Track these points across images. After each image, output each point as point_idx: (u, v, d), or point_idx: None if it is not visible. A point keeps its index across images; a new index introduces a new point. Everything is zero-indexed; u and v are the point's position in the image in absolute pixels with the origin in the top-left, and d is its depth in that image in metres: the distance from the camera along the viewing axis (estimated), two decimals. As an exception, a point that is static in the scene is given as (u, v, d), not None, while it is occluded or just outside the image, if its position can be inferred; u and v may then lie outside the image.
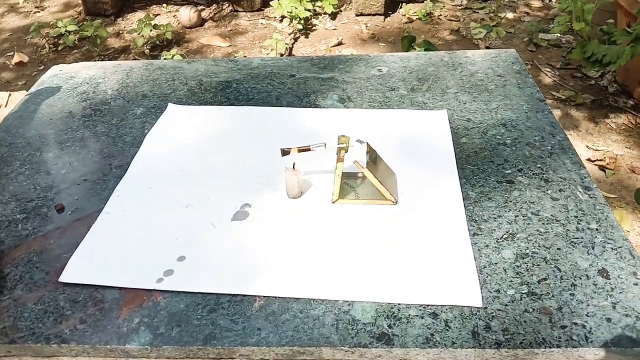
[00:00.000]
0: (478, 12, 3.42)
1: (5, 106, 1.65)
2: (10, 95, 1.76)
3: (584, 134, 2.29)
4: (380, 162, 0.84)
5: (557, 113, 2.40)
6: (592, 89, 2.58)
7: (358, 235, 0.75)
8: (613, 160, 2.13)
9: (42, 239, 0.79)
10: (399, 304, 0.66)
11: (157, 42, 3.20)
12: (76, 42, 3.28)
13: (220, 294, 0.68)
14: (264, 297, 0.67)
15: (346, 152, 0.80)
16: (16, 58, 3.20)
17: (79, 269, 0.72)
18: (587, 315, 0.63)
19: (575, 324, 0.63)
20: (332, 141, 0.81)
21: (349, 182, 0.84)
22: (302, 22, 3.23)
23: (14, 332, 0.66)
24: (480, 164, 0.87)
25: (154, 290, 0.69)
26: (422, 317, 0.64)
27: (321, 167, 0.87)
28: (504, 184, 0.83)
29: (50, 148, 0.98)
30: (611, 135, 2.27)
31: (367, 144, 0.82)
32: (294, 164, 0.81)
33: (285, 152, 0.82)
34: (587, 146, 2.21)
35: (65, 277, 0.72)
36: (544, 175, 0.84)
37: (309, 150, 0.81)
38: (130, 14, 3.66)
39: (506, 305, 0.65)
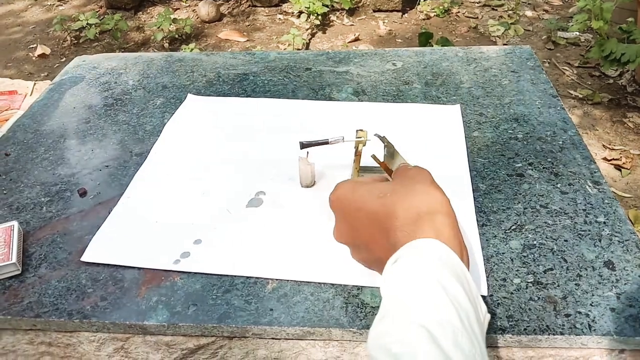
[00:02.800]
0: (497, 10, 3.41)
1: (30, 95, 1.70)
2: (35, 84, 1.81)
3: (600, 133, 2.27)
4: (397, 156, 0.85)
5: (574, 112, 2.39)
6: (610, 88, 2.56)
7: (369, 223, 0.77)
8: (629, 160, 2.12)
9: (65, 221, 0.82)
10: (407, 290, 0.68)
11: (176, 36, 3.24)
12: (97, 35, 3.34)
13: (235, 275, 0.71)
14: (277, 280, 0.70)
15: (364, 145, 0.81)
16: (39, 50, 3.27)
17: (100, 250, 0.76)
18: (592, 305, 0.65)
19: (580, 312, 0.64)
20: (347, 133, 0.83)
21: (365, 175, 0.85)
22: (319, 17, 3.25)
23: (39, 307, 0.69)
24: (491, 157, 0.89)
25: (172, 271, 0.72)
26: (429, 303, 0.66)
27: (336, 159, 0.88)
28: (514, 177, 0.84)
29: (74, 135, 1.02)
30: (628, 135, 2.26)
31: (385, 138, 0.84)
32: (307, 153, 0.83)
33: (304, 145, 0.83)
34: (603, 145, 2.20)
35: (87, 257, 0.75)
36: (554, 169, 0.85)
37: (327, 143, 0.83)
38: (151, 8, 3.71)
39: (512, 293, 0.67)
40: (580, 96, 2.48)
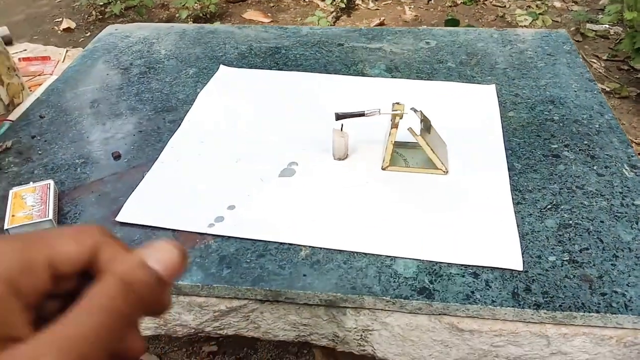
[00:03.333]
0: (525, -1, 3.35)
1: (63, 61, 1.72)
2: (67, 51, 1.82)
3: (627, 128, 2.24)
4: (433, 131, 0.85)
5: (600, 104, 2.35)
6: (638, 82, 2.51)
7: (403, 197, 0.77)
8: (656, 155, 2.08)
9: (99, 182, 0.83)
10: (441, 263, 0.67)
11: (201, 15, 3.24)
12: (122, 11, 3.34)
13: (269, 241, 0.71)
14: (310, 247, 0.70)
15: (401, 119, 0.81)
16: (64, 24, 3.28)
17: (135, 211, 0.76)
18: (628, 285, 0.64)
19: (616, 292, 0.63)
20: (381, 108, 0.82)
21: (399, 150, 0.85)
22: (344, 1, 3.22)
23: (75, 263, 0.70)
24: (527, 137, 0.88)
25: (206, 234, 0.72)
26: (463, 276, 0.66)
27: (369, 134, 0.88)
28: (550, 157, 0.83)
29: (107, 100, 1.02)
30: (656, 130, 2.21)
31: (421, 112, 0.83)
32: (342, 125, 0.83)
33: (339, 117, 0.83)
34: (629, 139, 2.16)
35: (122, 217, 0.76)
36: (591, 152, 0.84)
37: (363, 115, 0.82)
38: (176, -14, 3.69)
39: (547, 270, 0.66)
40: (608, 89, 2.44)
